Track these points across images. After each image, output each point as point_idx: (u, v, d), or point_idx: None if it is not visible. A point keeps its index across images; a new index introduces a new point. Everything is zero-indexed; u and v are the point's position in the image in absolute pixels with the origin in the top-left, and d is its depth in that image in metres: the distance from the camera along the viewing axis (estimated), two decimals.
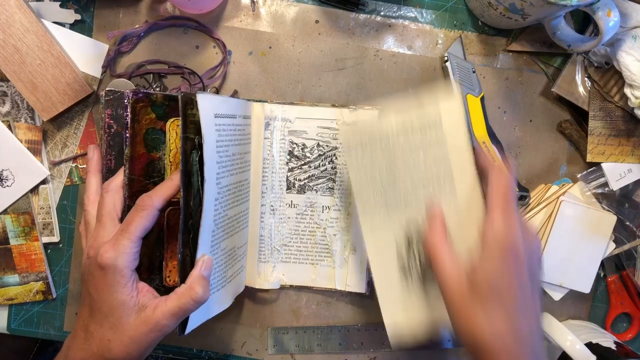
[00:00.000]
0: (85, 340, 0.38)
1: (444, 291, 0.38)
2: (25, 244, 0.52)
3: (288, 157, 0.51)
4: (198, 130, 0.39)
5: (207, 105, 0.39)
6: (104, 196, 0.41)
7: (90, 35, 0.51)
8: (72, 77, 0.48)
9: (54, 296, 0.54)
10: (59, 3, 0.50)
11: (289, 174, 0.51)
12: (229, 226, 0.45)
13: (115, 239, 0.38)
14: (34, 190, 0.52)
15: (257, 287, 0.51)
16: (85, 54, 0.51)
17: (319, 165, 0.51)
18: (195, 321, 0.41)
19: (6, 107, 0.51)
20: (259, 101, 0.50)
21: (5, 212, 0.51)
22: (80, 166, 0.53)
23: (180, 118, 0.40)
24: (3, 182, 0.51)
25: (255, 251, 0.51)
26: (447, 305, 0.38)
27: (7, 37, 0.46)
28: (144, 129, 0.44)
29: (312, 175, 0.51)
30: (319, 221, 0.52)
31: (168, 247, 0.44)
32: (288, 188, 0.51)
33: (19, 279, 0.52)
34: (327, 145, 0.51)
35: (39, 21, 0.47)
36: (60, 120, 0.52)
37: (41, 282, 0.53)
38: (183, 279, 0.39)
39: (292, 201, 0.51)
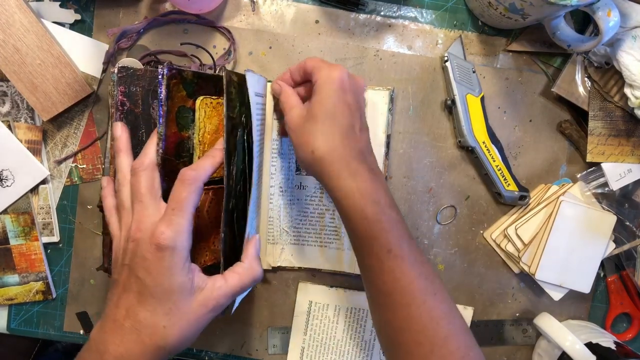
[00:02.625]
0: (133, 330, 0.35)
1: (290, 129, 0.42)
2: (25, 244, 0.52)
3: None
4: (233, 109, 0.39)
5: (251, 83, 0.39)
6: (138, 174, 0.38)
7: (90, 35, 0.51)
8: (72, 77, 0.48)
9: (54, 296, 0.54)
10: (59, 3, 0.50)
11: None
12: (257, 206, 0.45)
13: (169, 218, 0.35)
14: (34, 190, 0.52)
15: (265, 267, 0.52)
16: (85, 54, 0.51)
17: None
18: (237, 302, 0.41)
19: (6, 107, 0.51)
20: (270, 81, 0.50)
21: (5, 212, 0.51)
22: (80, 166, 0.53)
23: (210, 96, 0.39)
24: (3, 182, 0.51)
25: (265, 232, 0.52)
26: (292, 139, 0.42)
27: (7, 37, 0.46)
28: (176, 107, 0.42)
29: None
30: (327, 203, 0.52)
31: (195, 229, 0.43)
32: (297, 169, 0.51)
33: (18, 279, 0.52)
34: None
35: (39, 21, 0.47)
36: (60, 120, 0.52)
37: (41, 282, 0.53)
38: (225, 258, 0.39)
39: (301, 183, 0.51)
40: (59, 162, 0.52)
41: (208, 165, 0.38)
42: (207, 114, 0.43)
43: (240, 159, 0.40)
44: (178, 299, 0.35)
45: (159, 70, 0.40)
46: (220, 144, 0.40)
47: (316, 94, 0.41)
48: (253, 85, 0.40)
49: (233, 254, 0.41)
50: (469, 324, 0.54)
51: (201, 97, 0.42)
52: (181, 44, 0.50)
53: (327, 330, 0.54)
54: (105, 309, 0.37)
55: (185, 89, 0.42)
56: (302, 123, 0.41)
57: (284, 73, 0.46)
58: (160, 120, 0.40)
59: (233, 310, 0.41)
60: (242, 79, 0.42)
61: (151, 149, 0.40)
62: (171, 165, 0.41)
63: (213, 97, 0.43)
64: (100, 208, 0.44)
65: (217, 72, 0.50)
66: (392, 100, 0.51)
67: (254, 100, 0.39)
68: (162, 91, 0.40)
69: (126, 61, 0.49)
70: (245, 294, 0.45)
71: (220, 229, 0.39)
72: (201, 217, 0.43)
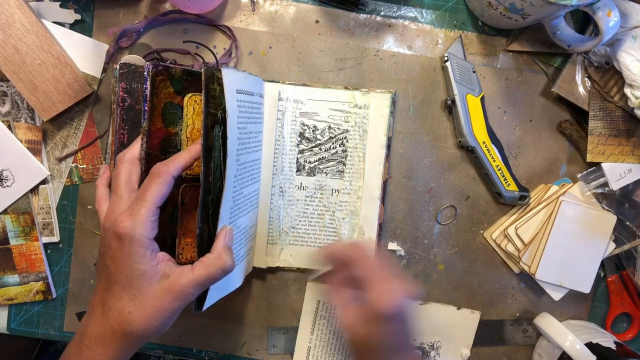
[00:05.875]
0: (103, 315, 0.37)
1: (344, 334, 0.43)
2: (25, 244, 0.52)
3: (299, 138, 0.51)
4: (218, 106, 0.39)
5: (231, 79, 0.39)
6: (119, 167, 0.40)
7: (90, 35, 0.51)
8: (72, 77, 0.48)
9: (54, 296, 0.54)
10: (59, 3, 0.50)
11: (299, 155, 0.51)
12: (244, 204, 0.45)
13: (131, 208, 0.36)
14: (34, 190, 0.52)
15: (264, 267, 0.52)
16: (85, 54, 0.51)
17: (330, 148, 0.51)
18: (212, 298, 0.41)
19: (6, 107, 0.51)
20: (272, 81, 0.50)
21: (5, 212, 0.51)
22: (80, 166, 0.53)
23: (199, 93, 0.39)
24: (3, 182, 0.51)
25: (265, 232, 0.52)
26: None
27: (7, 37, 0.46)
28: (162, 103, 0.42)
29: (323, 158, 0.51)
30: (327, 204, 0.52)
31: (182, 224, 0.43)
32: (298, 170, 0.51)
33: (18, 279, 0.52)
34: (338, 128, 0.51)
35: (39, 21, 0.47)
36: (60, 120, 0.52)
37: (41, 282, 0.53)
38: (201, 253, 0.39)
39: (301, 183, 0.52)
40: (61, 160, 0.52)
41: (181, 159, 0.39)
42: (197, 111, 0.43)
43: (218, 155, 0.40)
44: (141, 286, 0.36)
45: (145, 66, 0.40)
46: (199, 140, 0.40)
47: (365, 318, 0.40)
48: (233, 81, 0.39)
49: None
50: (475, 328, 0.54)
51: (189, 94, 0.43)
52: (184, 42, 0.50)
53: (334, 331, 0.54)
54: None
55: (173, 85, 0.42)
56: (353, 340, 0.41)
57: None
58: (145, 116, 0.41)
59: (205, 308, 0.40)
60: None
61: (137, 144, 0.41)
62: (156, 159, 0.41)
63: None
64: None
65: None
66: (393, 103, 0.51)
67: (234, 97, 0.39)
68: (147, 87, 0.41)
69: (129, 58, 0.49)
70: (227, 292, 0.45)
71: (196, 225, 0.39)
72: (189, 213, 0.44)
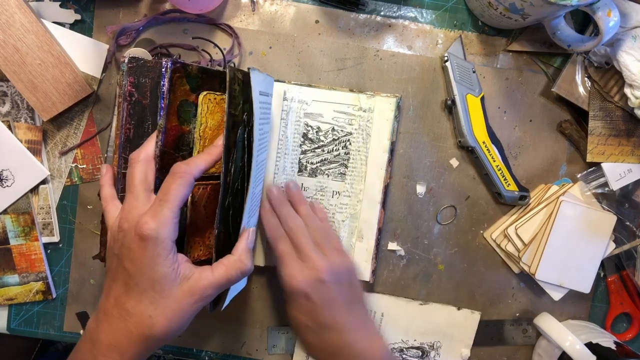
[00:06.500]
0: (120, 319, 0.35)
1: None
2: (25, 244, 0.52)
3: (302, 139, 0.51)
4: (236, 106, 0.39)
5: (256, 82, 0.39)
6: (133, 166, 0.39)
7: (90, 35, 0.51)
8: (72, 77, 0.48)
9: (54, 296, 0.54)
10: (59, 3, 0.50)
11: (301, 156, 0.51)
12: (254, 204, 0.45)
13: (154, 209, 0.35)
14: (34, 190, 0.52)
15: (262, 265, 0.52)
16: (85, 54, 0.51)
17: (333, 150, 0.51)
18: (229, 298, 0.41)
19: (6, 107, 0.51)
20: (278, 81, 0.50)
21: (5, 212, 0.51)
22: (80, 166, 0.53)
23: (213, 92, 0.39)
24: (3, 182, 0.51)
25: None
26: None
27: (7, 37, 0.46)
28: (178, 100, 0.42)
29: (325, 160, 0.51)
30: (328, 206, 0.52)
31: (191, 223, 0.43)
32: (300, 170, 0.51)
33: (18, 279, 0.52)
34: (342, 130, 0.51)
35: (39, 21, 0.47)
36: (60, 120, 0.52)
37: (41, 282, 0.53)
38: (217, 254, 0.39)
39: (302, 184, 0.52)
40: (63, 154, 0.52)
41: (202, 161, 0.38)
42: (210, 109, 0.43)
43: (240, 156, 0.40)
44: (162, 289, 0.35)
45: (163, 63, 0.40)
46: (220, 140, 0.40)
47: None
48: (258, 83, 0.39)
49: (228, 251, 0.41)
50: (475, 329, 0.54)
51: (204, 92, 0.42)
52: (193, 38, 0.51)
53: None
54: (100, 299, 0.38)
55: (189, 83, 0.42)
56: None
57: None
58: (161, 113, 0.40)
59: (224, 307, 0.40)
60: (247, 76, 0.42)
61: (151, 142, 0.40)
62: (169, 158, 0.41)
63: (217, 92, 0.43)
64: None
65: (224, 68, 0.50)
66: (398, 107, 0.51)
67: (258, 98, 0.39)
68: (165, 84, 0.40)
69: (136, 51, 0.49)
70: (237, 291, 0.45)
71: (214, 225, 0.39)
72: (198, 212, 0.43)
